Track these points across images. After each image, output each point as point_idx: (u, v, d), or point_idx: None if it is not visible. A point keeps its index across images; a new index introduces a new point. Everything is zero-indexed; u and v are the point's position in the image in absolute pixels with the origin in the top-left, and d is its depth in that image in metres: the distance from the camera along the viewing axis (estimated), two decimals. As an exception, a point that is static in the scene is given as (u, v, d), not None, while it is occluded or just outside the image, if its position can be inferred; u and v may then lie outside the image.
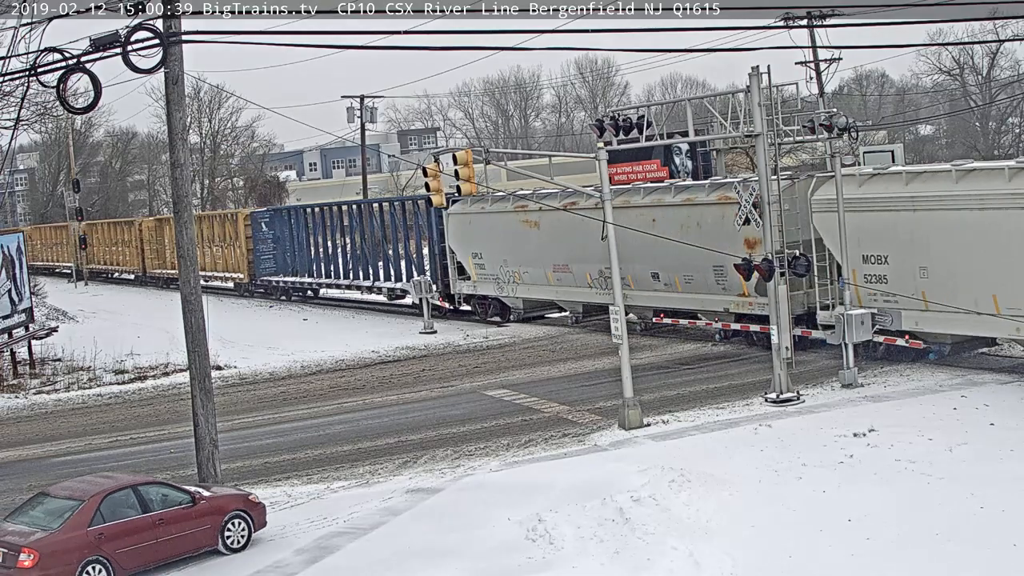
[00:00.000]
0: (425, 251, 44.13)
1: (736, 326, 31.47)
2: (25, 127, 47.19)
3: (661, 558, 16.01)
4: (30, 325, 38.82)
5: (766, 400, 24.73)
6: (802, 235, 27.27)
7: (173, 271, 61.25)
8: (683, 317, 33.64)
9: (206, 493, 18.46)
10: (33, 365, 37.38)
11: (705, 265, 30.78)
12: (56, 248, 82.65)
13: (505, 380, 30.36)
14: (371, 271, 47.41)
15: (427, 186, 25.01)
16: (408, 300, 44.83)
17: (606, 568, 15.97)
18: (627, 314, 27.12)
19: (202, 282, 59.59)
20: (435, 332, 39.30)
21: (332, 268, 50.72)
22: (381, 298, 48.24)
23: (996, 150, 76.83)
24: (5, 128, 36.67)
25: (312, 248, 52.13)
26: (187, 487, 18.59)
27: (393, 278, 45.91)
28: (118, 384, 34.17)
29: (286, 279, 54.09)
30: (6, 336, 36.15)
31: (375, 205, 48.84)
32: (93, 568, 16.62)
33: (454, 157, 24.23)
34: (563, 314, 39.08)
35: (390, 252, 46.19)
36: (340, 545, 17.84)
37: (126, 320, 49.25)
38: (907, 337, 26.74)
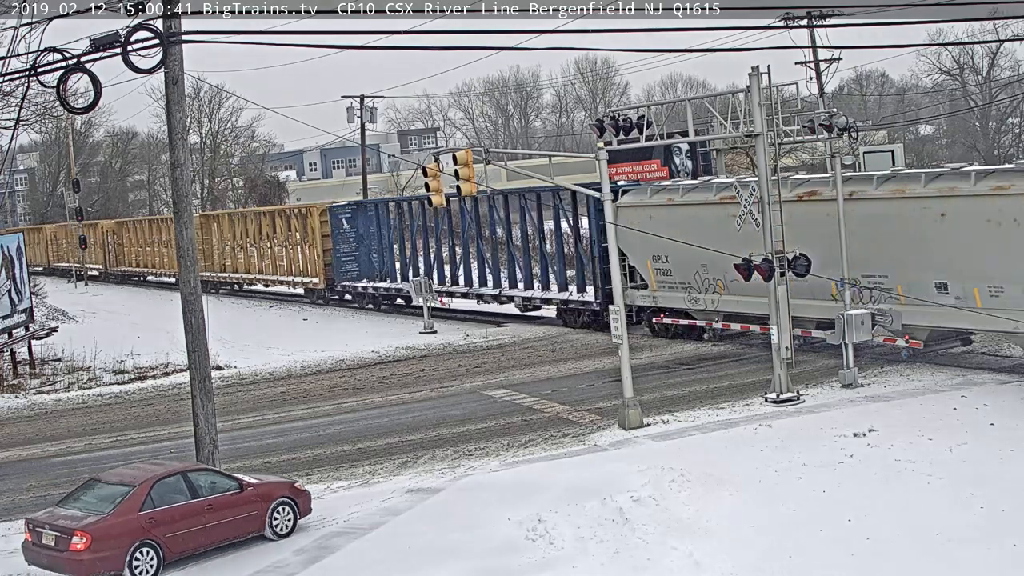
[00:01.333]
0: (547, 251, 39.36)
1: None
2: (25, 127, 47.24)
3: (661, 558, 16.01)
4: (30, 325, 38.83)
5: (766, 400, 24.73)
6: None
7: (226, 274, 58.71)
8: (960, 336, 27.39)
9: (253, 480, 18.89)
10: (33, 365, 37.39)
11: None
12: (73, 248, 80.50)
13: (505, 380, 30.36)
14: (496, 277, 41.31)
15: (427, 186, 25.02)
16: (549, 312, 39.55)
17: (606, 568, 15.97)
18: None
19: (258, 287, 57.03)
20: (435, 332, 39.30)
21: (437, 273, 44.25)
22: (508, 309, 41.74)
23: (996, 150, 76.85)
24: (5, 128, 36.70)
25: (408, 248, 45.96)
26: (235, 474, 19.00)
27: (523, 285, 40.12)
28: (118, 384, 34.17)
29: (376, 285, 47.26)
30: (6, 336, 36.15)
31: (499, 197, 41.29)
32: (143, 552, 17.01)
33: (454, 157, 24.23)
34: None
35: (517, 255, 40.52)
36: (340, 545, 17.84)
37: (126, 320, 49.27)
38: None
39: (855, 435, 21.08)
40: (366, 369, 34.20)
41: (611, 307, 24.44)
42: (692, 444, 21.79)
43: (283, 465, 23.45)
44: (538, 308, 40.42)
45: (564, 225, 39.01)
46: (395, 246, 47.24)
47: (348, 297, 49.51)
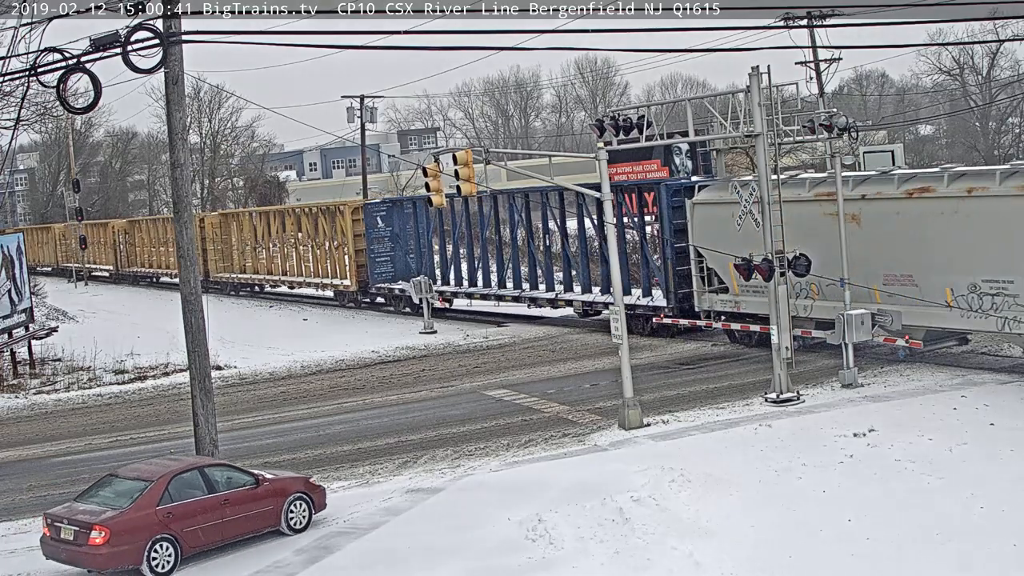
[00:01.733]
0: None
1: None
2: (25, 127, 47.23)
3: (661, 558, 16.01)
4: (30, 325, 38.82)
5: (766, 400, 24.73)
6: None
7: (247, 275, 56.55)
8: None
9: (269, 475, 19.02)
10: (33, 365, 37.38)
11: None
12: (95, 247, 76.61)
13: (505, 380, 30.36)
14: (549, 278, 38.96)
15: (427, 186, 25.02)
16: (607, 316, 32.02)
17: (606, 568, 15.97)
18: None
19: (282, 288, 54.62)
20: (435, 332, 39.29)
21: (481, 274, 41.75)
22: (564, 312, 39.20)
23: (996, 150, 76.83)
24: (5, 128, 36.71)
25: (450, 249, 43.13)
26: (251, 470, 19.07)
27: (580, 287, 37.53)
28: (118, 384, 34.17)
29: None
30: (6, 336, 36.15)
31: (551, 194, 38.35)
32: (161, 546, 17.17)
33: (454, 157, 24.23)
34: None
35: (573, 255, 38.01)
36: (340, 545, 17.85)
37: (126, 320, 49.26)
38: None
39: (855, 435, 21.08)
40: (366, 369, 34.20)
41: (611, 307, 24.43)
42: (692, 444, 21.79)
43: (283, 465, 23.43)
44: (598, 312, 36.55)
45: (591, 225, 37.08)
46: (443, 246, 43.99)
47: (382, 300, 47.05)
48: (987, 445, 20.00)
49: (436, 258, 44.69)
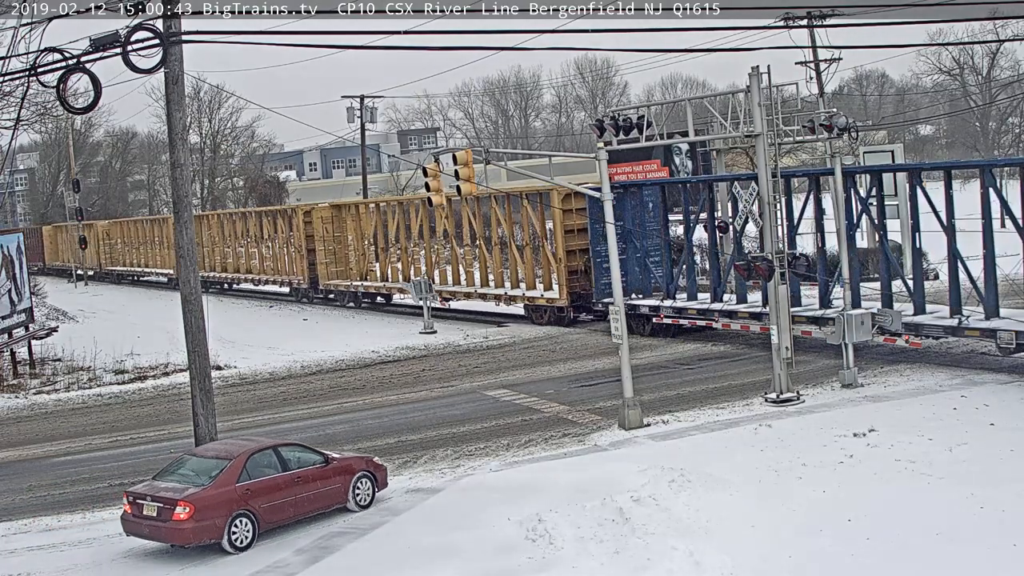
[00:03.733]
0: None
1: None
2: (25, 127, 47.25)
3: (661, 558, 15.99)
4: (30, 325, 38.83)
5: (766, 400, 24.73)
6: None
7: (373, 283, 47.87)
8: None
9: (336, 455, 19.70)
10: (33, 365, 37.38)
11: None
12: (146, 248, 73.45)
13: (505, 380, 30.36)
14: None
15: (427, 186, 25.03)
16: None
17: (606, 568, 15.96)
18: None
19: (450, 304, 43.63)
20: (435, 332, 39.27)
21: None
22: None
23: (996, 150, 76.87)
24: (5, 128, 36.72)
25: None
26: (320, 449, 19.72)
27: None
28: (118, 384, 34.16)
29: (668, 305, 33.13)
30: (6, 336, 36.15)
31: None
32: (240, 521, 17.79)
33: (454, 157, 24.25)
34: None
35: None
36: (340, 545, 17.84)
37: (126, 320, 49.27)
38: None
39: (855, 435, 21.08)
40: (366, 369, 34.19)
41: (611, 307, 24.44)
42: (692, 444, 21.79)
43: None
44: None
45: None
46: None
47: (594, 319, 37.54)
48: (987, 445, 20.00)
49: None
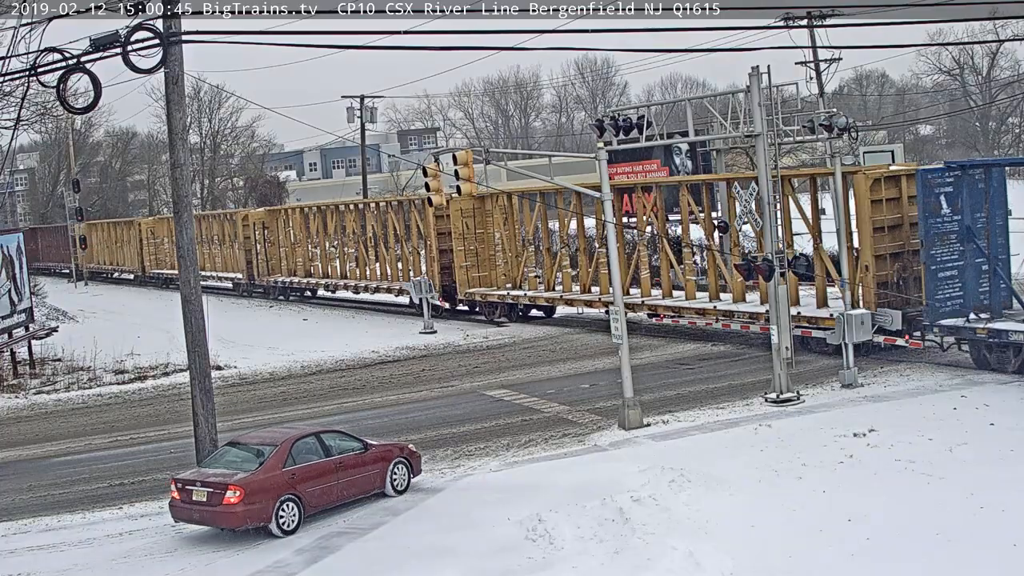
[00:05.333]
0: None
1: None
2: (25, 127, 47.25)
3: (661, 558, 15.99)
4: (30, 325, 38.82)
5: (766, 400, 24.73)
6: None
7: (595, 295, 36.43)
8: None
9: (374, 442, 20.29)
10: (33, 365, 37.37)
11: None
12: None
13: (505, 380, 30.35)
14: None
15: (427, 186, 25.03)
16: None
17: (606, 568, 15.96)
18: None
19: (690, 322, 31.49)
20: (435, 332, 39.26)
21: None
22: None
23: (996, 150, 76.90)
24: (5, 128, 36.76)
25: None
26: (358, 436, 20.34)
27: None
28: (118, 384, 34.16)
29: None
30: (6, 336, 36.15)
31: None
32: (287, 506, 18.34)
33: (454, 157, 24.26)
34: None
35: None
36: (340, 545, 17.84)
37: (126, 320, 49.25)
38: None
39: (855, 435, 21.08)
40: (366, 369, 34.19)
41: (611, 307, 24.44)
42: (692, 444, 21.79)
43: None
44: None
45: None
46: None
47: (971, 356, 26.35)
48: (987, 445, 20.00)
49: None
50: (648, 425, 23.46)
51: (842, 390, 25.19)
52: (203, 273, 51.87)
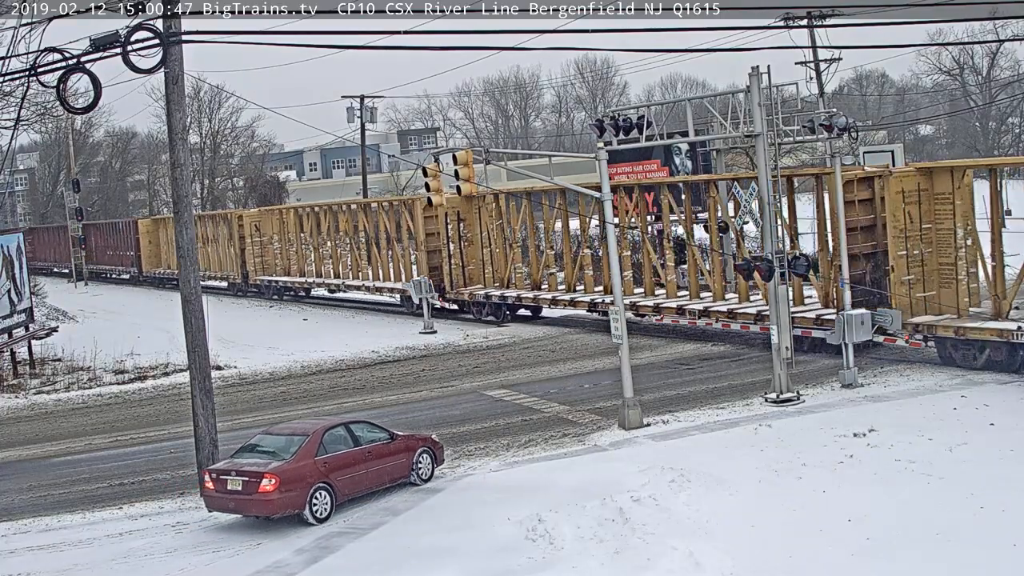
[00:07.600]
0: None
1: None
2: (25, 127, 47.20)
3: (661, 558, 15.99)
4: (30, 325, 38.82)
5: (766, 400, 24.73)
6: None
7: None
8: None
9: (400, 432, 20.80)
10: (33, 365, 37.37)
11: None
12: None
13: (505, 380, 30.35)
14: None
15: (427, 186, 25.03)
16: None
17: (606, 568, 15.96)
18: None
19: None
20: (435, 332, 39.26)
21: None
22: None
23: (996, 150, 76.90)
24: (5, 128, 36.72)
25: None
26: (385, 426, 20.86)
27: None
28: (118, 384, 34.16)
29: None
30: (6, 336, 36.15)
31: None
32: (320, 494, 18.76)
33: (454, 157, 24.26)
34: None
35: None
36: (340, 545, 17.84)
37: (126, 320, 49.24)
38: None
39: (855, 435, 21.08)
40: (366, 369, 34.19)
41: (611, 308, 24.43)
42: (692, 444, 21.79)
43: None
44: None
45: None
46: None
47: None
48: (987, 445, 19.99)
49: None
50: (648, 425, 23.46)
51: (842, 390, 25.18)
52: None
